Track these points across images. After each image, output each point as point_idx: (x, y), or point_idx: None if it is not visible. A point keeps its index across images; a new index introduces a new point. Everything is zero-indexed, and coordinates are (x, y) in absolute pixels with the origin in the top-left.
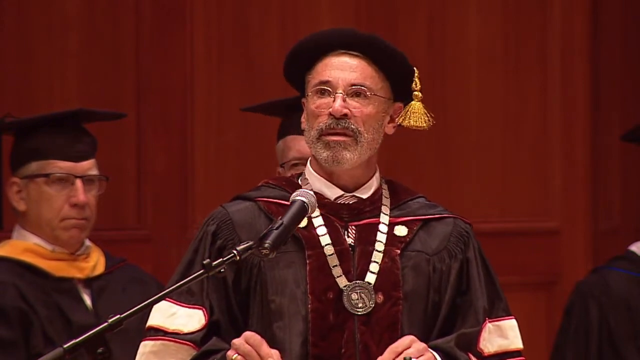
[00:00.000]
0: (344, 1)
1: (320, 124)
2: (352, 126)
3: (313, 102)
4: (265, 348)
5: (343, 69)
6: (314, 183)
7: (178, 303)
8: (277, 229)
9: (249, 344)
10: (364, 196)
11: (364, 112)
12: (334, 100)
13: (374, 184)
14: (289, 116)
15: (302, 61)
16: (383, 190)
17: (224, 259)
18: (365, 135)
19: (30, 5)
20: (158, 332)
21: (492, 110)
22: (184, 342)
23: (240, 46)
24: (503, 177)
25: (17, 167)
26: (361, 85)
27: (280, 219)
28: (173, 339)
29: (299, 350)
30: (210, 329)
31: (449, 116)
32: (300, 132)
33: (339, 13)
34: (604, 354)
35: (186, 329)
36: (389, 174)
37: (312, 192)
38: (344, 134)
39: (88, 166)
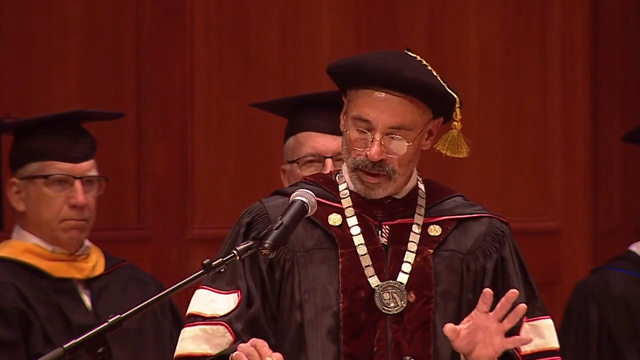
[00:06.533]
0: (344, 1)
1: (357, 159)
2: (387, 167)
3: (351, 132)
4: (267, 350)
5: (384, 109)
6: (349, 182)
7: (216, 290)
8: (277, 229)
9: (252, 346)
10: (399, 196)
11: (400, 154)
12: (371, 141)
13: (410, 184)
14: (296, 114)
15: (346, 77)
16: (419, 190)
17: (224, 258)
18: (400, 172)
19: (30, 6)
20: (197, 318)
21: (492, 110)
22: (219, 322)
23: (240, 46)
24: (503, 177)
25: (16, 167)
26: (400, 128)
27: (280, 219)
28: (210, 322)
29: (331, 347)
30: (252, 319)
31: None
32: (313, 129)
33: (340, 13)
34: (604, 354)
35: (222, 312)
36: None
37: (312, 193)
38: (379, 175)
39: (87, 167)
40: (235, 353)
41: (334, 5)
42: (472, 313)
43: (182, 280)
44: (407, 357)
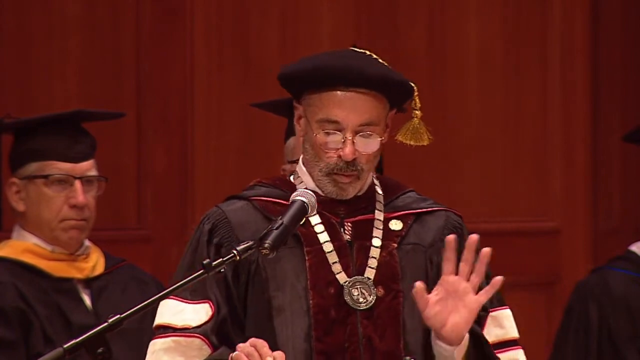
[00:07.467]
0: (344, 1)
1: (330, 162)
2: (359, 167)
3: (320, 136)
4: (267, 350)
5: (352, 108)
6: (308, 182)
7: (184, 300)
8: (277, 228)
9: (252, 346)
10: (360, 193)
11: (374, 150)
12: (343, 142)
13: (368, 181)
14: None
15: (304, 82)
16: (376, 187)
17: (224, 258)
18: (367, 169)
19: (30, 6)
20: (167, 330)
21: (492, 110)
22: (194, 335)
23: (240, 46)
24: (503, 177)
25: (16, 167)
26: (369, 124)
27: (280, 219)
28: (183, 334)
29: (302, 345)
30: (220, 324)
31: (449, 116)
32: None
33: (339, 13)
34: (604, 354)
35: (194, 324)
36: (389, 174)
37: (311, 192)
38: (351, 174)
39: (87, 167)
40: (235, 353)
41: (334, 5)
42: (440, 280)
43: (182, 280)
44: (407, 357)
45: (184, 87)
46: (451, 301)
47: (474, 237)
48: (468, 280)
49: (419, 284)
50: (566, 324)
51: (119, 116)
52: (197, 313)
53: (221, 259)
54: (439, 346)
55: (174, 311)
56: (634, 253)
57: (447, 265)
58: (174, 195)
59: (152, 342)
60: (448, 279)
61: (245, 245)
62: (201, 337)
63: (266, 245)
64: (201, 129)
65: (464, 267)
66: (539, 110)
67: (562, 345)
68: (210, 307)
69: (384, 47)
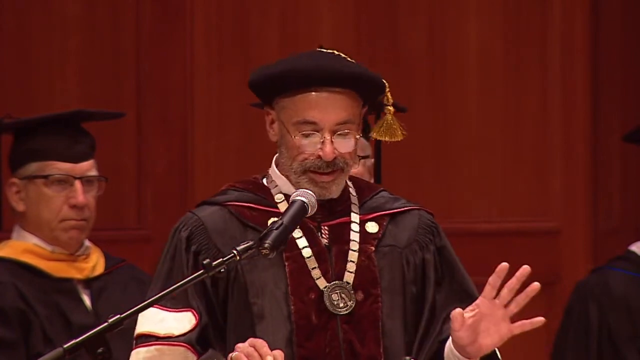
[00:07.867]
0: (344, 1)
1: (307, 162)
2: (340, 164)
3: (297, 138)
4: (267, 350)
5: (327, 108)
6: (283, 186)
7: (165, 309)
8: (276, 229)
9: (251, 346)
10: (335, 196)
11: (348, 149)
12: (322, 142)
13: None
14: None
15: (278, 85)
16: (350, 189)
17: (224, 259)
18: (351, 164)
19: (30, 6)
20: (150, 338)
21: (492, 110)
22: (178, 343)
23: (240, 46)
24: (503, 177)
25: (16, 167)
26: (346, 122)
27: (280, 219)
28: (167, 343)
29: (284, 351)
30: (202, 332)
31: (449, 116)
32: None
33: (339, 13)
34: (604, 354)
35: (177, 332)
36: (388, 175)
37: (311, 192)
38: (333, 172)
39: (87, 167)
40: (234, 353)
41: (334, 5)
42: (478, 301)
43: (182, 280)
44: (407, 357)
45: (184, 87)
46: (484, 323)
47: (527, 269)
48: (505, 306)
49: (458, 310)
50: (566, 324)
51: (119, 116)
52: (180, 321)
53: (221, 259)
54: (456, 357)
55: (155, 320)
56: (634, 253)
57: (490, 290)
58: (174, 195)
59: (134, 351)
60: (487, 303)
61: (245, 246)
62: (186, 345)
63: (266, 245)
64: (201, 129)
65: (506, 294)
66: (539, 110)
67: (562, 345)
68: (194, 315)
69: (384, 47)
